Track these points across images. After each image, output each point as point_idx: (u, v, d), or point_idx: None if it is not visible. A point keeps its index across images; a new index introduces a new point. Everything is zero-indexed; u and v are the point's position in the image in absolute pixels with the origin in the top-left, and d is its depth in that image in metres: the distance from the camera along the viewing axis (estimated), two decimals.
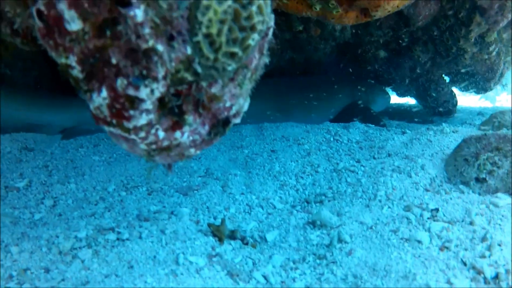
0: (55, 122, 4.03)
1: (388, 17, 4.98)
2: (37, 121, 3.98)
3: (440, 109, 5.55)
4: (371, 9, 3.43)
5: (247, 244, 2.36)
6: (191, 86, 1.17)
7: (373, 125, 4.38)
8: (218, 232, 2.30)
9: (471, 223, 2.27)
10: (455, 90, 6.25)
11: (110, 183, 2.96)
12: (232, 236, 2.36)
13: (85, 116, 3.93)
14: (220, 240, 2.28)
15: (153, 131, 1.21)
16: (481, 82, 5.46)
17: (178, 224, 2.37)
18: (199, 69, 1.11)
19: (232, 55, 1.13)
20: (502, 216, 2.32)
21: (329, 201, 2.69)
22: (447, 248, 2.10)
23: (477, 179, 2.70)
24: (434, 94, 5.50)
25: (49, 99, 4.10)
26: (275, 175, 3.01)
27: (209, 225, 2.34)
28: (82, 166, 3.23)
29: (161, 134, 1.23)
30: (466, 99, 8.98)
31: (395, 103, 7.46)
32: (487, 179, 2.67)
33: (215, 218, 2.53)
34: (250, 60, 1.26)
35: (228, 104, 1.30)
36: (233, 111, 1.35)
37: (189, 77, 1.13)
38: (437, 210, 2.39)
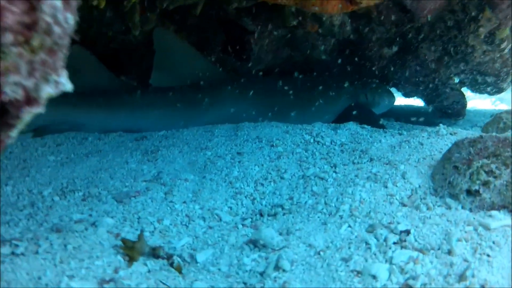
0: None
1: (389, 12, 4.28)
2: None
3: (449, 111, 4.78)
4: None
5: (172, 265, 1.80)
6: None
7: (369, 127, 3.68)
8: (130, 250, 1.75)
9: (449, 252, 1.61)
10: (468, 93, 5.45)
11: (49, 186, 2.46)
12: (154, 254, 1.81)
13: (59, 115, 3.48)
14: (131, 260, 1.72)
15: None
16: (493, 82, 4.66)
17: (90, 238, 1.83)
18: None
19: None
20: (493, 243, 1.64)
21: (284, 214, 2.08)
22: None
23: (469, 192, 2.01)
24: (442, 95, 4.74)
25: None
26: (230, 181, 2.41)
27: (123, 240, 1.79)
28: (31, 167, 2.75)
29: None
30: (480, 102, 8.02)
31: (402, 105, 6.69)
32: (480, 191, 1.98)
33: (142, 231, 1.98)
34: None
35: None
36: (10, 92, 0.79)
37: None
38: (407, 232, 1.74)
